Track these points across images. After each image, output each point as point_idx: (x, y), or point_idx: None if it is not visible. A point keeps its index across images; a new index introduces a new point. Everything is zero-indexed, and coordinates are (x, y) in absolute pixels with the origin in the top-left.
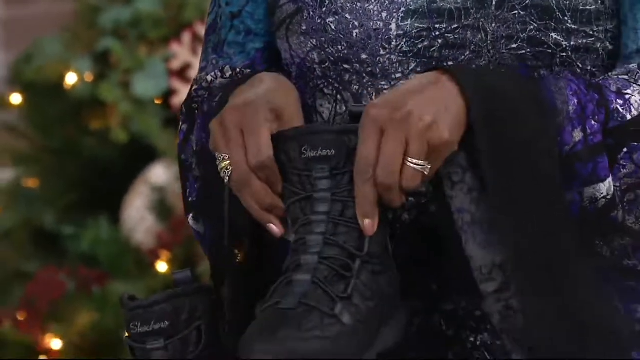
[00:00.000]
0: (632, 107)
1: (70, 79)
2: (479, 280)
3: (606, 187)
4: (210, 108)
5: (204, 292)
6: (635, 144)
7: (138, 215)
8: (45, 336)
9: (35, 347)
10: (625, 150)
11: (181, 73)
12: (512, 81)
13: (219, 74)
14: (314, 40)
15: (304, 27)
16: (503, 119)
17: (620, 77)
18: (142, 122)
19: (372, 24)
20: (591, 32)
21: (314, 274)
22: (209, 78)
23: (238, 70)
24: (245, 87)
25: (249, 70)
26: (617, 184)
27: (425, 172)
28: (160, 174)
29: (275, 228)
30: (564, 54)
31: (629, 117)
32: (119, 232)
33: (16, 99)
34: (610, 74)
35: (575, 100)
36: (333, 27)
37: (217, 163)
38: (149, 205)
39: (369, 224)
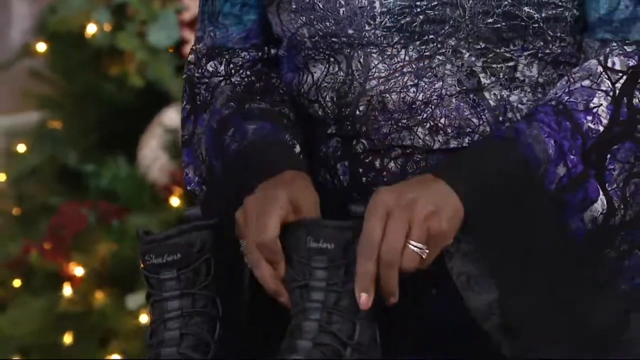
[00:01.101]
0: (600, 117)
1: (91, 29)
2: (482, 319)
3: (599, 204)
4: (225, 162)
5: (213, 227)
6: (615, 147)
7: (153, 155)
8: (69, 264)
9: (60, 274)
10: (608, 156)
11: (192, 24)
12: (497, 160)
13: (219, 66)
14: (304, 18)
15: (294, 6)
16: (495, 199)
17: (583, 84)
18: (157, 69)
19: (357, 1)
20: (560, 3)
21: (308, 356)
22: (210, 68)
23: (232, 65)
24: (271, 181)
25: (240, 64)
26: (614, 186)
27: (423, 256)
28: (173, 117)
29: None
30: (536, 25)
31: (601, 128)
32: (135, 170)
33: (41, 47)
34: (573, 75)
35: (552, 142)
36: (321, 6)
37: (241, 248)
38: (162, 145)
39: (366, 299)
